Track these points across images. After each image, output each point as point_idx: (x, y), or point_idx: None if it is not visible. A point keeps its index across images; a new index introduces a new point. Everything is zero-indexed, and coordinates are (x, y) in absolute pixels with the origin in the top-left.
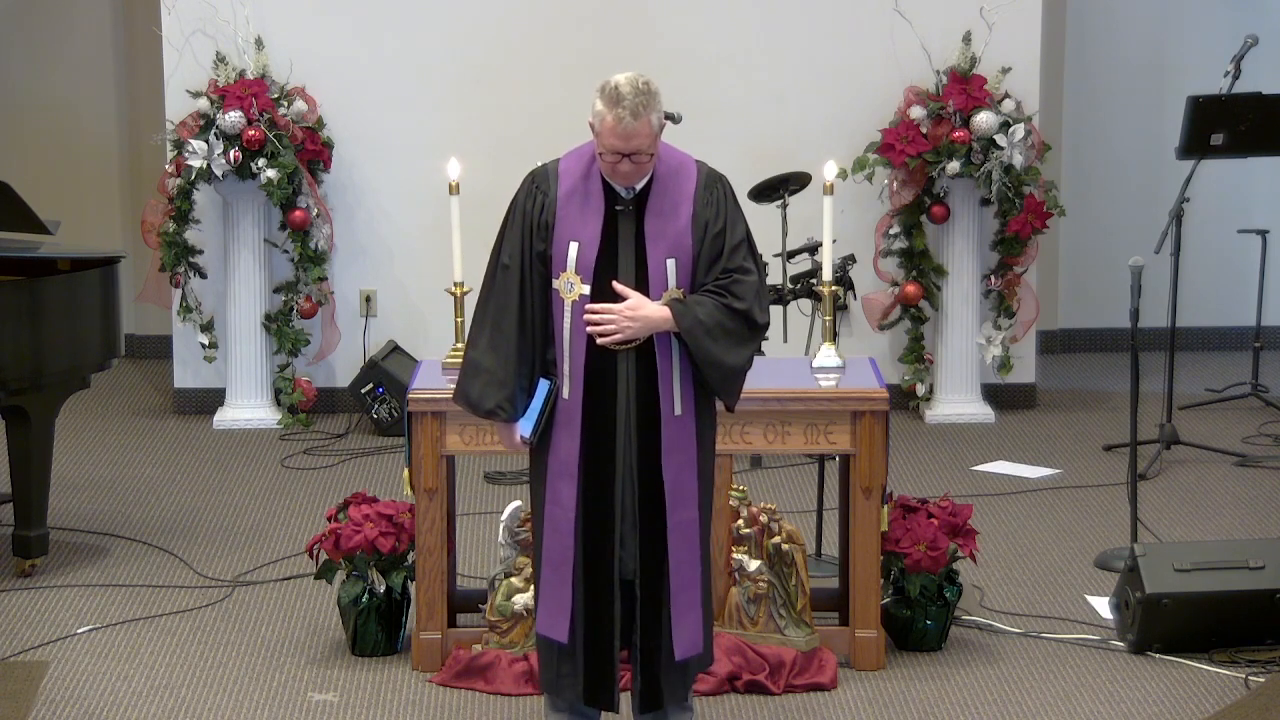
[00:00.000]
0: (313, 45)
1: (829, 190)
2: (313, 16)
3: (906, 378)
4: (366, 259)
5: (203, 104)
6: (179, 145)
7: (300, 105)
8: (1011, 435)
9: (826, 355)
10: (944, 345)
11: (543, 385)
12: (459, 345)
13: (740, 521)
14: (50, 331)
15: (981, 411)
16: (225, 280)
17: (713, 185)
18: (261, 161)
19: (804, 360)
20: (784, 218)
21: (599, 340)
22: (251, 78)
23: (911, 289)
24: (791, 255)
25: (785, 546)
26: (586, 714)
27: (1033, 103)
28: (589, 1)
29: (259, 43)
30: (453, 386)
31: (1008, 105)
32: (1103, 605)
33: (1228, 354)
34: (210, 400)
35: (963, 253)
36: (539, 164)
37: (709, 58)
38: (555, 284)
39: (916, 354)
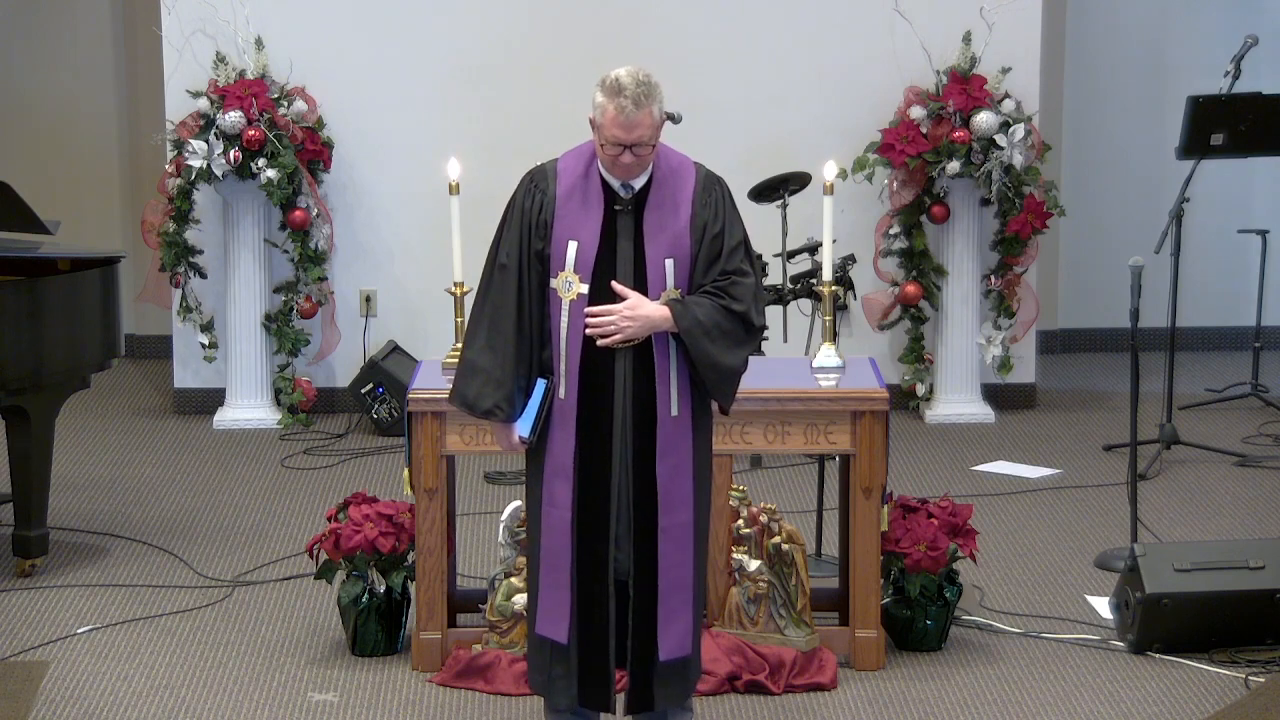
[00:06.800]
0: (313, 45)
1: (829, 190)
2: (313, 16)
3: (906, 378)
4: (366, 259)
5: (203, 104)
6: (179, 145)
7: (300, 105)
8: (1011, 435)
9: (826, 355)
10: (944, 345)
11: (540, 385)
12: (459, 345)
13: (740, 521)
14: (50, 331)
15: (981, 411)
16: (225, 280)
17: (711, 187)
18: (261, 161)
19: (804, 360)
20: (784, 218)
21: (599, 342)
22: (251, 78)
23: (911, 289)
24: (791, 255)
25: (785, 546)
26: (585, 715)
27: (1033, 103)
28: (588, 2)
29: (259, 43)
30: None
31: (1008, 105)
32: (1103, 605)
33: (1228, 354)
34: (210, 400)
35: (963, 253)
36: (538, 164)
37: (709, 58)
38: (553, 283)
39: (916, 354)
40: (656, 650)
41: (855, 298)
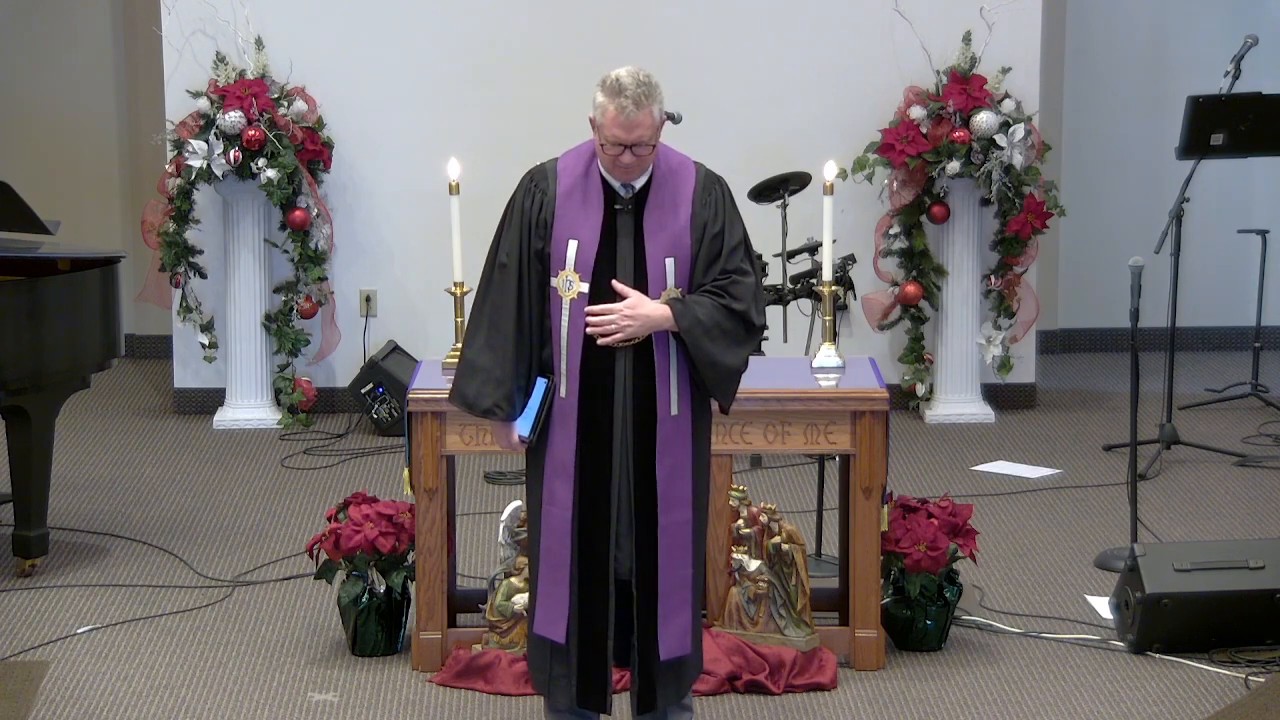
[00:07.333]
0: (313, 45)
1: (829, 190)
2: (313, 16)
3: (906, 378)
4: (366, 259)
5: (203, 104)
6: (179, 145)
7: (300, 105)
8: (1011, 435)
9: (826, 355)
10: (944, 345)
11: (540, 384)
12: (459, 345)
13: (740, 521)
14: (50, 331)
15: (981, 411)
16: (225, 280)
17: (711, 186)
18: (261, 161)
19: (804, 360)
20: (784, 218)
21: (600, 341)
22: (251, 78)
23: (911, 289)
24: (791, 255)
25: (785, 546)
26: (585, 715)
27: (1033, 103)
28: (589, 2)
29: (259, 43)
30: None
31: (1008, 105)
32: (1103, 605)
33: (1228, 354)
34: (210, 400)
35: (963, 253)
36: (538, 163)
37: (709, 58)
38: (554, 282)
39: (916, 354)
40: (658, 650)
41: (855, 298)
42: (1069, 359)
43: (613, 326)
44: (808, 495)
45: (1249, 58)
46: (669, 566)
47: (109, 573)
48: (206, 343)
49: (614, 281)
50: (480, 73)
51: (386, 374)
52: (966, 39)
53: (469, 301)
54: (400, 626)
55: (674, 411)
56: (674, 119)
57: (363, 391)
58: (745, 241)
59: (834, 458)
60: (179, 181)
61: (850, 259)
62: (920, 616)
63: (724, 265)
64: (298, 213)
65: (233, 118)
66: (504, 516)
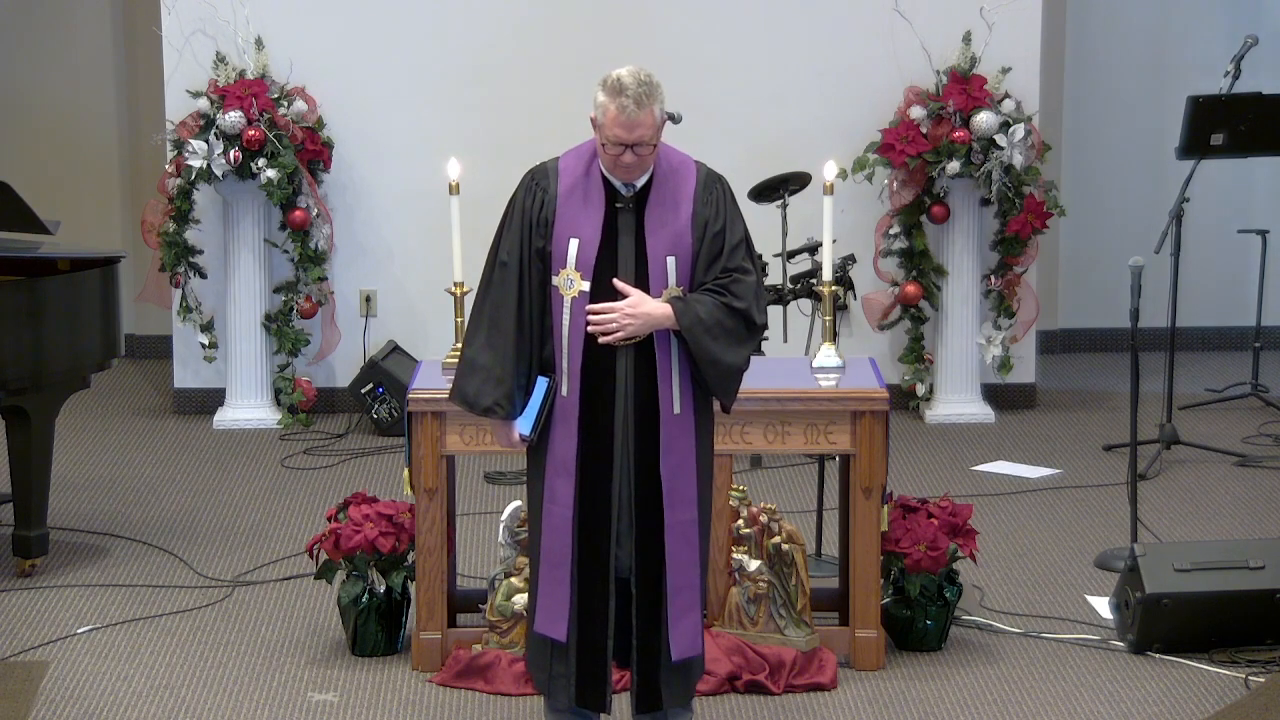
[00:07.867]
0: (313, 45)
1: (829, 190)
2: (313, 16)
3: (906, 378)
4: (366, 259)
5: (203, 104)
6: (179, 145)
7: (300, 105)
8: (1011, 435)
9: (826, 355)
10: (944, 345)
11: (541, 383)
12: (459, 345)
13: (740, 521)
14: (50, 331)
15: (981, 411)
16: (225, 280)
17: (712, 185)
18: (261, 161)
19: (804, 360)
20: (784, 218)
21: (601, 339)
22: (251, 78)
23: (911, 289)
24: (791, 255)
25: (785, 546)
26: (585, 714)
27: (1033, 103)
28: (589, 2)
29: (259, 43)
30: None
31: (1008, 105)
32: (1103, 605)
33: (1228, 354)
34: (210, 400)
35: (963, 253)
36: (538, 163)
37: (709, 58)
38: (555, 280)
39: (916, 354)
40: (662, 649)
41: (855, 298)
42: (1069, 359)
43: (614, 325)
44: (808, 495)
45: (1249, 58)
46: (676, 566)
47: (109, 573)
48: (206, 343)
49: (615, 280)
50: (480, 73)
51: (386, 374)
52: (966, 39)
53: (469, 301)
54: (400, 626)
55: (676, 410)
56: (674, 119)
57: (363, 391)
58: (746, 240)
59: (834, 458)
60: (179, 181)
61: (850, 259)
62: (920, 616)
63: (725, 264)
64: (298, 213)
65: (233, 118)
66: (504, 516)
